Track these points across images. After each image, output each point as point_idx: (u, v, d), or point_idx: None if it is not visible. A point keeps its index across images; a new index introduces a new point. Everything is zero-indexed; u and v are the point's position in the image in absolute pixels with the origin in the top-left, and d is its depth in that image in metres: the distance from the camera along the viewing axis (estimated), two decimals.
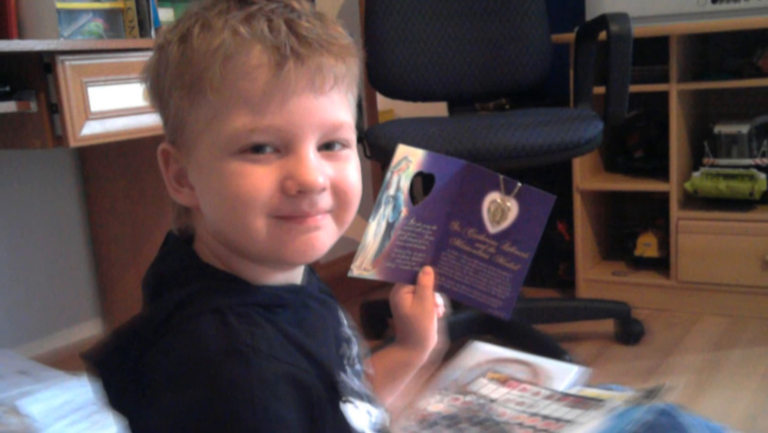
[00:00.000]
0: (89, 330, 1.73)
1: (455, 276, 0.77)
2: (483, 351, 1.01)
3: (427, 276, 0.76)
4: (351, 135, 0.63)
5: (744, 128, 1.93)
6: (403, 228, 0.73)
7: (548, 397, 0.89)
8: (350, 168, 0.62)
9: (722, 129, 1.96)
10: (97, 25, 1.32)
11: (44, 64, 1.19)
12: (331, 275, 1.16)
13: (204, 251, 0.64)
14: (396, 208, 0.72)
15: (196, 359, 0.56)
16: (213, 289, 0.60)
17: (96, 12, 1.34)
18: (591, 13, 2.00)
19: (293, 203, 0.59)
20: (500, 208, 0.75)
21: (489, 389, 0.92)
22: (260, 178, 0.58)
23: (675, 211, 1.98)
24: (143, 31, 1.39)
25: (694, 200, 2.01)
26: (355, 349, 0.71)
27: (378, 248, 0.72)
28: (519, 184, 0.75)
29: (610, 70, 1.55)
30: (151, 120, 1.27)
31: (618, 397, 0.86)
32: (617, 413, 0.81)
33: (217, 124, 0.58)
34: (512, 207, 0.75)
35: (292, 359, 0.58)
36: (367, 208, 0.70)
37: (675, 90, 1.92)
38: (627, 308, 1.82)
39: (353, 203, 0.63)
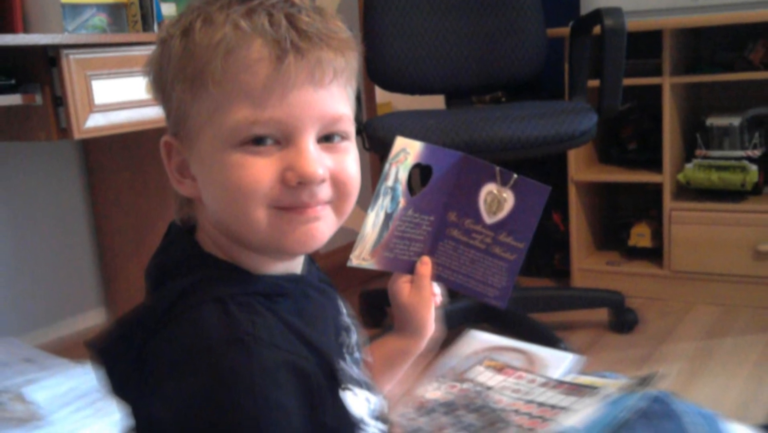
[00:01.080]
0: (93, 319, 1.74)
1: (452, 266, 0.78)
2: (480, 339, 1.01)
3: (425, 266, 0.77)
4: (350, 127, 0.64)
5: (736, 121, 1.94)
6: (401, 219, 0.74)
7: (543, 384, 0.90)
8: (349, 160, 0.63)
9: (714, 121, 1.97)
10: (100, 19, 1.33)
11: (49, 58, 1.20)
12: (331, 264, 1.17)
13: (206, 241, 0.64)
14: (394, 199, 0.73)
15: (198, 348, 0.57)
16: (215, 278, 0.61)
17: (100, 7, 1.35)
18: (585, 7, 2.00)
19: (293, 194, 0.60)
20: (496, 199, 0.76)
21: (485, 376, 0.92)
22: (261, 170, 0.59)
23: (668, 202, 1.99)
24: (146, 26, 1.40)
25: (687, 191, 2.02)
26: (354, 337, 0.72)
27: (377, 238, 0.73)
28: (515, 175, 0.75)
29: (604, 63, 1.57)
30: (154, 113, 1.28)
31: (612, 384, 0.87)
32: (611, 400, 0.82)
33: (219, 117, 0.59)
34: (508, 198, 0.76)
35: (292, 348, 0.59)
36: (366, 199, 0.71)
37: (668, 83, 1.93)
38: (621, 297, 1.84)
39: (352, 194, 0.64)
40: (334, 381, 0.61)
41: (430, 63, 1.90)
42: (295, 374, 0.57)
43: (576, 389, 0.88)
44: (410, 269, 0.77)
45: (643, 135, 2.15)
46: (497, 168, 0.76)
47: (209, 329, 0.58)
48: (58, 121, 1.21)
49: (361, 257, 0.73)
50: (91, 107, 1.23)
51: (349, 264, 0.73)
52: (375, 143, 1.59)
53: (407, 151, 0.73)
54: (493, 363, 0.95)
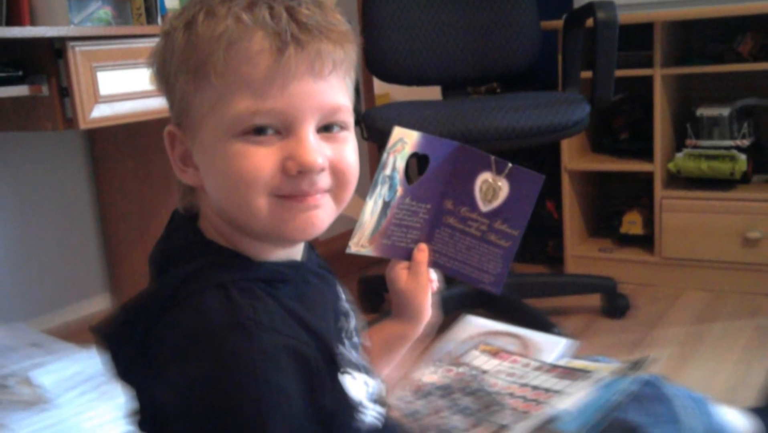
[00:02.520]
0: (98, 304, 1.76)
1: (448, 252, 0.79)
2: (475, 324, 1.02)
3: (422, 252, 0.78)
4: (349, 118, 0.65)
5: (725, 111, 1.96)
6: (398, 207, 0.75)
7: (538, 368, 0.91)
8: (348, 149, 0.64)
9: (704, 112, 1.99)
10: (105, 12, 1.34)
11: (55, 50, 1.21)
12: (330, 251, 1.17)
13: (208, 229, 0.65)
14: (392, 188, 0.74)
15: (200, 332, 0.58)
16: (217, 265, 0.62)
17: (105, 0, 1.36)
18: (578, 0, 2.02)
19: (294, 183, 0.61)
20: (492, 187, 0.77)
21: (481, 360, 0.93)
22: (262, 159, 0.60)
23: (659, 190, 2.01)
24: (150, 18, 1.42)
25: (677, 180, 2.05)
26: (353, 322, 0.73)
27: (375, 226, 0.74)
28: (510, 164, 0.76)
29: (596, 55, 1.58)
30: (158, 103, 1.29)
31: (604, 368, 0.88)
32: (604, 383, 0.83)
33: (221, 108, 0.60)
34: (503, 186, 0.77)
35: (292, 332, 0.60)
36: (365, 188, 0.72)
37: (659, 74, 1.95)
38: (613, 283, 1.86)
39: (351, 183, 0.65)
40: (334, 365, 0.62)
41: (426, 55, 1.91)
42: (295, 358, 0.58)
43: (569, 373, 0.89)
44: (408, 256, 0.78)
45: (634, 125, 2.17)
46: (492, 157, 0.77)
47: (211, 314, 0.59)
48: (64, 111, 1.22)
49: (360, 244, 0.74)
50: (97, 98, 1.25)
51: (347, 251, 0.74)
52: (373, 133, 1.60)
53: (404, 140, 0.73)
54: (488, 348, 0.96)
